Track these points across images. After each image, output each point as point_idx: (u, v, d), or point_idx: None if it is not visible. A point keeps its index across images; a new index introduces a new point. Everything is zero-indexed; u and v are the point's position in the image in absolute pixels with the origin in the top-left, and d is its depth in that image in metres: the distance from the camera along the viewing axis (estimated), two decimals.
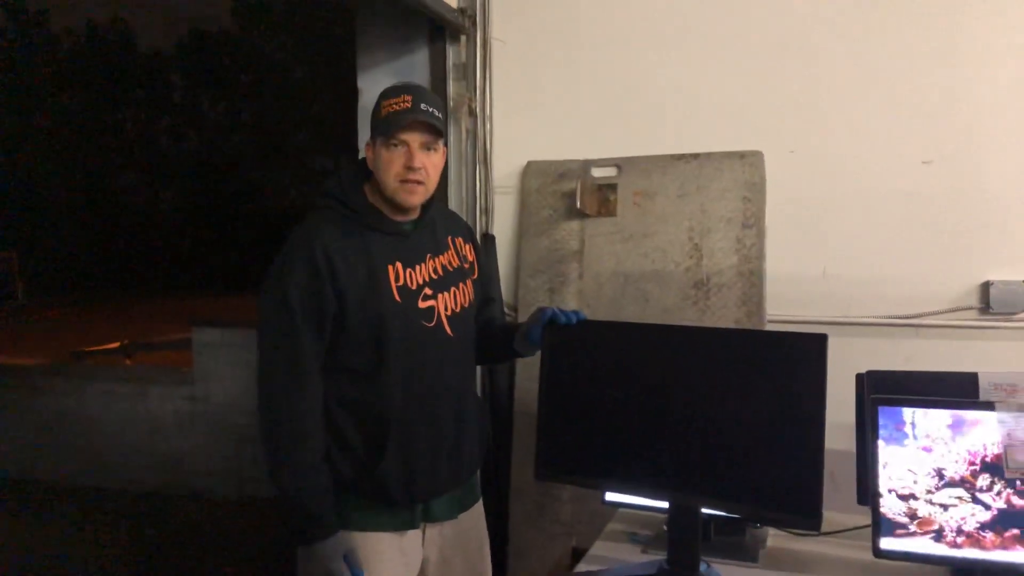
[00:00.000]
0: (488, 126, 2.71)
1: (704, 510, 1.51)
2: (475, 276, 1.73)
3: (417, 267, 1.58)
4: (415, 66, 2.72)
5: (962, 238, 2.32)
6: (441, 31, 2.69)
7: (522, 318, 2.60)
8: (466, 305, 1.66)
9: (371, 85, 2.79)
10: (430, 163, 1.54)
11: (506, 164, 2.75)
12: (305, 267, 1.48)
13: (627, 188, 2.58)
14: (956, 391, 1.54)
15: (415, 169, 1.51)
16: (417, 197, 1.55)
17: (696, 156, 2.53)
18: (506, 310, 2.63)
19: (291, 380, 1.49)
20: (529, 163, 2.72)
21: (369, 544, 1.55)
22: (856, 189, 2.40)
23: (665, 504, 1.56)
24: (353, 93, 2.89)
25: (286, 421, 1.50)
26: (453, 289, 1.63)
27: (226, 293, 19.35)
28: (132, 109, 28.72)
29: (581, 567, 1.62)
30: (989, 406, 1.41)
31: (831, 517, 1.67)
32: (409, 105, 1.50)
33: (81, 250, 25.60)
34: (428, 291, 1.58)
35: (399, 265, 1.55)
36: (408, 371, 1.55)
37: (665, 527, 1.59)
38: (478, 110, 2.68)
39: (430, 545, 1.66)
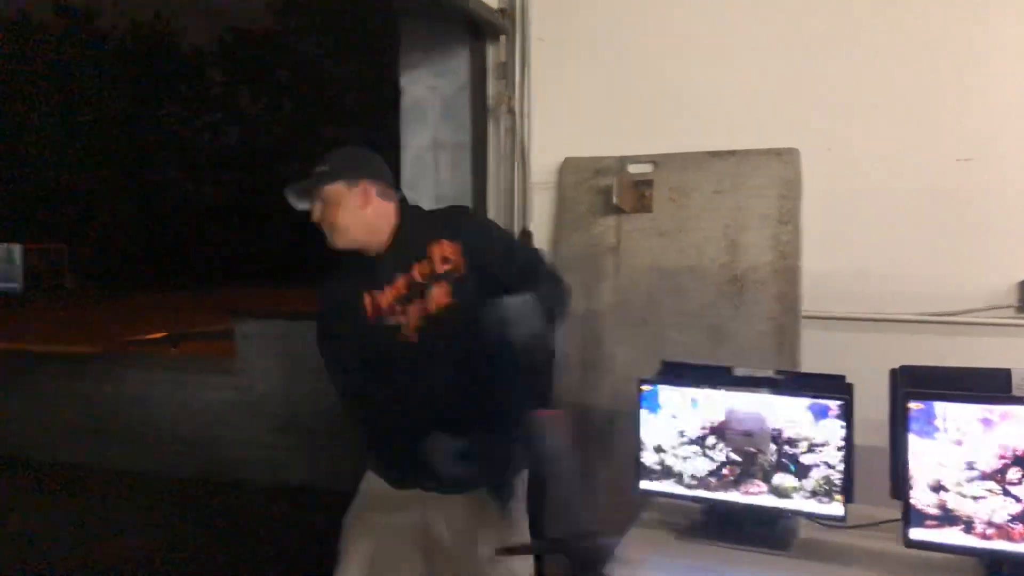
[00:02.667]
0: (526, 123, 2.77)
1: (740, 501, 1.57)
2: (461, 273, 1.76)
3: (385, 288, 1.78)
4: (456, 66, 2.79)
5: (998, 236, 2.31)
6: (481, 31, 2.75)
7: None
8: (442, 305, 1.75)
9: (413, 83, 2.86)
10: (330, 215, 1.77)
11: (544, 161, 2.80)
12: (320, 317, 1.87)
13: (663, 184, 2.62)
14: (989, 386, 1.57)
15: (316, 222, 1.79)
16: (338, 242, 1.79)
17: (733, 153, 2.55)
18: None
19: (339, 375, 1.84)
20: (566, 159, 2.77)
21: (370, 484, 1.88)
22: (892, 186, 2.40)
23: (701, 493, 1.63)
24: (393, 88, 2.97)
25: (353, 397, 1.84)
26: (424, 298, 1.76)
27: (264, 284, 19.69)
28: (174, 105, 29.28)
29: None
30: (1021, 401, 1.44)
31: (864, 510, 1.71)
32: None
33: (125, 242, 26.22)
34: (398, 308, 1.77)
35: (373, 292, 1.79)
36: (384, 384, 1.78)
37: (700, 514, 1.65)
38: (517, 108, 2.74)
39: (431, 508, 1.81)
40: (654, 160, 2.64)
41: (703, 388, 1.77)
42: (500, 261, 1.78)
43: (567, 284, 1.84)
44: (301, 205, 1.79)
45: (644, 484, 1.83)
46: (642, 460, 1.83)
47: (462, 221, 1.87)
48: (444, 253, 1.78)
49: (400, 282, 1.77)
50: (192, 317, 10.45)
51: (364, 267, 1.81)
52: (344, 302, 1.82)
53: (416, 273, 1.77)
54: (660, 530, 1.79)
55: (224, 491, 4.60)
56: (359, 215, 1.77)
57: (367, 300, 1.79)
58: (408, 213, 1.84)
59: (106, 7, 28.63)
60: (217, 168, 28.75)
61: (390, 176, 1.86)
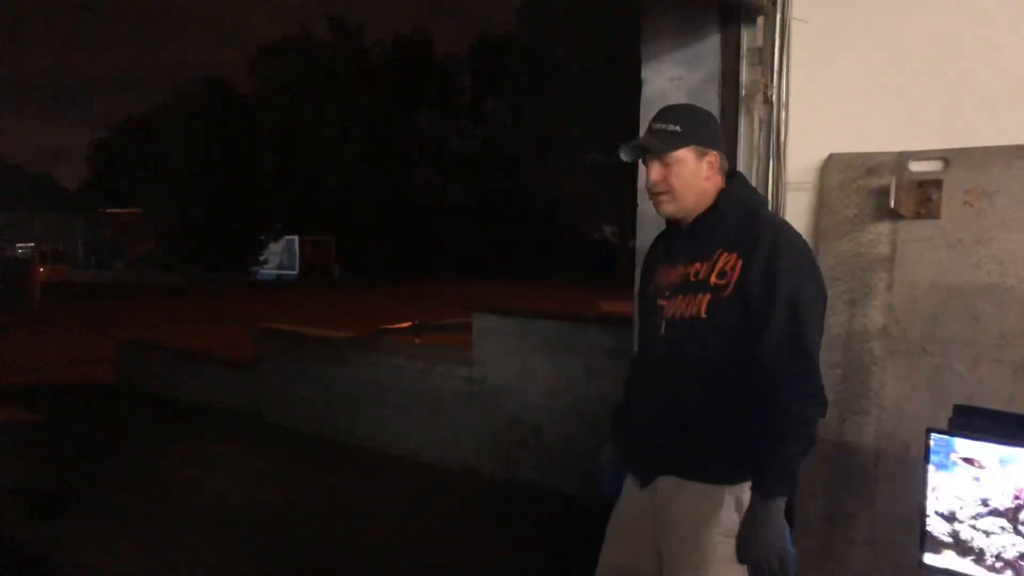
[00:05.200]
0: (784, 114, 2.45)
1: None
2: (726, 294, 1.62)
3: (671, 268, 1.74)
4: (704, 53, 2.54)
5: None
6: (735, 13, 2.48)
7: None
8: (692, 317, 1.65)
9: (655, 75, 2.67)
10: (670, 174, 1.69)
11: (802, 157, 2.46)
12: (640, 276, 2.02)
13: (956, 185, 2.17)
14: None
15: (653, 183, 1.71)
16: (664, 207, 1.72)
17: None
18: None
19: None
20: (830, 156, 2.41)
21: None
22: None
23: None
24: (634, 85, 2.79)
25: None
26: (686, 297, 1.67)
27: (503, 279, 20.53)
28: (427, 110, 31.57)
29: None
30: None
31: None
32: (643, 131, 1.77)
33: (382, 237, 28.80)
34: (667, 292, 1.73)
35: (664, 266, 1.78)
36: (640, 358, 1.85)
37: None
38: (774, 97, 2.43)
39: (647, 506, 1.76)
40: (944, 156, 2.21)
41: (1019, 446, 1.41)
42: (757, 305, 1.57)
43: (816, 385, 1.55)
44: (629, 158, 1.75)
45: (930, 559, 1.51)
46: (928, 529, 1.51)
47: (762, 240, 1.61)
48: (725, 267, 1.63)
49: (681, 269, 1.71)
50: (437, 309, 11.13)
51: (669, 238, 1.81)
52: (648, 267, 1.89)
53: (694, 270, 1.68)
54: None
55: (458, 479, 4.75)
56: (699, 185, 1.69)
57: (659, 272, 1.79)
58: (728, 197, 1.71)
59: (373, 22, 31.70)
60: (462, 169, 30.51)
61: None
